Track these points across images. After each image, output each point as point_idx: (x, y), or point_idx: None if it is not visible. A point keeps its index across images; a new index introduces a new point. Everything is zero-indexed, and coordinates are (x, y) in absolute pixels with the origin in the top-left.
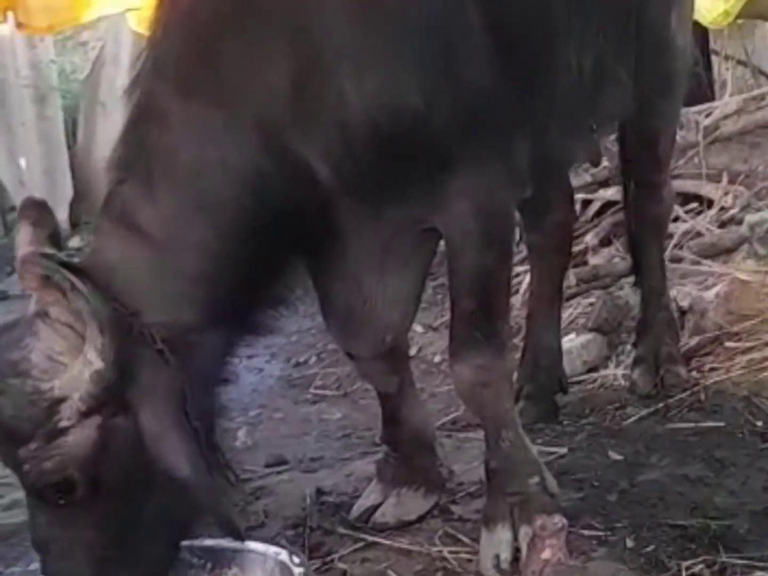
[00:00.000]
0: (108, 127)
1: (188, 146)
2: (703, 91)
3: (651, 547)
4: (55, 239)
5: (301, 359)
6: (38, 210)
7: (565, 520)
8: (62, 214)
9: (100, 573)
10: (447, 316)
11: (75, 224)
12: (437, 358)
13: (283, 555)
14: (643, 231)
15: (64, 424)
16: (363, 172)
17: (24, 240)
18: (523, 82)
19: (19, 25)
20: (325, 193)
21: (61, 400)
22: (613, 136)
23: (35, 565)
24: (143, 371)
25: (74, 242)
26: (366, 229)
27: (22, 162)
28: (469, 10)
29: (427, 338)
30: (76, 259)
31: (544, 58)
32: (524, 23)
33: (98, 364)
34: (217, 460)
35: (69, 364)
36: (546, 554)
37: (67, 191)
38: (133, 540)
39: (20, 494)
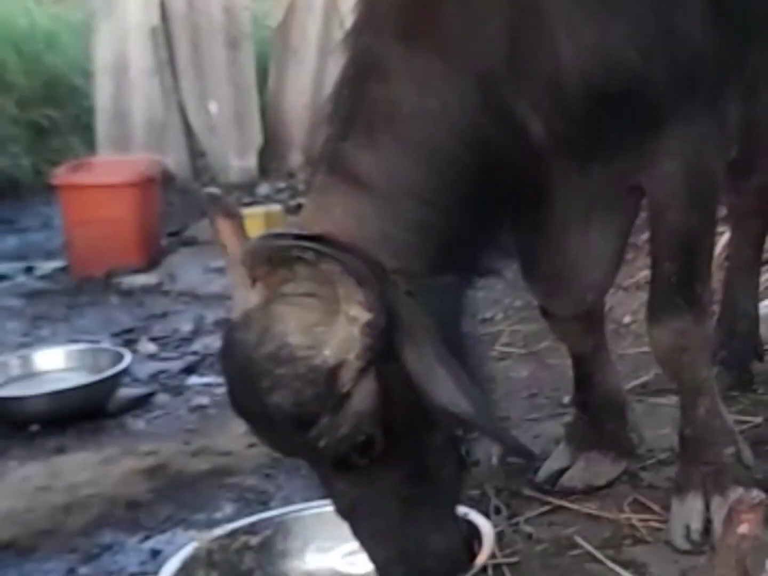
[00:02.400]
0: (299, 75)
1: (410, 97)
2: None
3: None
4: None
5: (487, 315)
6: (220, 203)
7: (763, 495)
8: (251, 161)
9: (412, 516)
10: (637, 276)
11: (264, 171)
12: (627, 319)
13: (472, 515)
14: None
15: (347, 387)
16: (574, 127)
17: (227, 234)
18: (739, 39)
19: None
20: (535, 148)
21: (338, 366)
22: None
23: (220, 513)
24: (401, 313)
25: (263, 189)
26: (573, 185)
27: (213, 107)
28: None
29: (617, 298)
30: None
31: (761, 15)
32: None
33: (365, 316)
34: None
35: (329, 330)
36: (743, 529)
37: (257, 138)
38: (435, 479)
39: (207, 441)
